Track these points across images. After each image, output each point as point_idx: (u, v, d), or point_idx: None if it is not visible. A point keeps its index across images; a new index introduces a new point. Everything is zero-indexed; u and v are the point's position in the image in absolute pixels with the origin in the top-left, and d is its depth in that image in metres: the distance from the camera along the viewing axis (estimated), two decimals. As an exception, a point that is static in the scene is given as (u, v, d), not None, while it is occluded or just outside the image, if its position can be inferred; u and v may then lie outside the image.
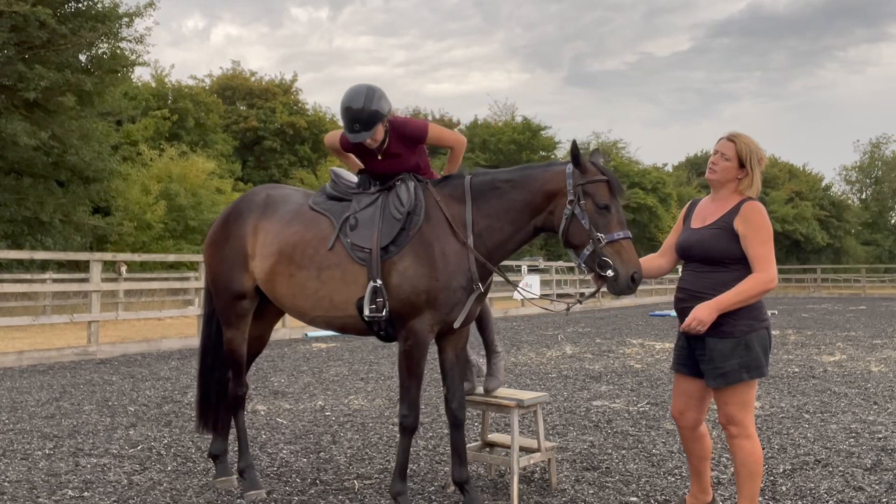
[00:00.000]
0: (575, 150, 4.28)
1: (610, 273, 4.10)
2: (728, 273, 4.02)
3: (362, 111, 4.51)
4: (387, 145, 4.71)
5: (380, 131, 4.59)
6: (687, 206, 4.47)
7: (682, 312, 4.15)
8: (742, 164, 4.07)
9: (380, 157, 4.72)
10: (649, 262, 4.48)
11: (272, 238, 4.83)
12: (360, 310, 4.50)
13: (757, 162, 4.06)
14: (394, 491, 4.60)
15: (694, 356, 4.16)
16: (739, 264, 4.03)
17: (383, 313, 4.43)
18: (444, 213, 4.52)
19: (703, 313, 3.91)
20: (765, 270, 3.94)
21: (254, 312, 5.17)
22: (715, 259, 4.06)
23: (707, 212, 4.20)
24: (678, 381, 4.33)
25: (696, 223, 4.22)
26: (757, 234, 3.98)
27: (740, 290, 3.91)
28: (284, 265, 4.74)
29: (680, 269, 4.43)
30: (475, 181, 4.59)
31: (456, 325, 4.54)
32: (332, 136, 4.98)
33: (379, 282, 4.43)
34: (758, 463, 4.04)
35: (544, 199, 4.38)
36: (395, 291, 4.43)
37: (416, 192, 4.60)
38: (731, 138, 4.11)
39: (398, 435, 4.64)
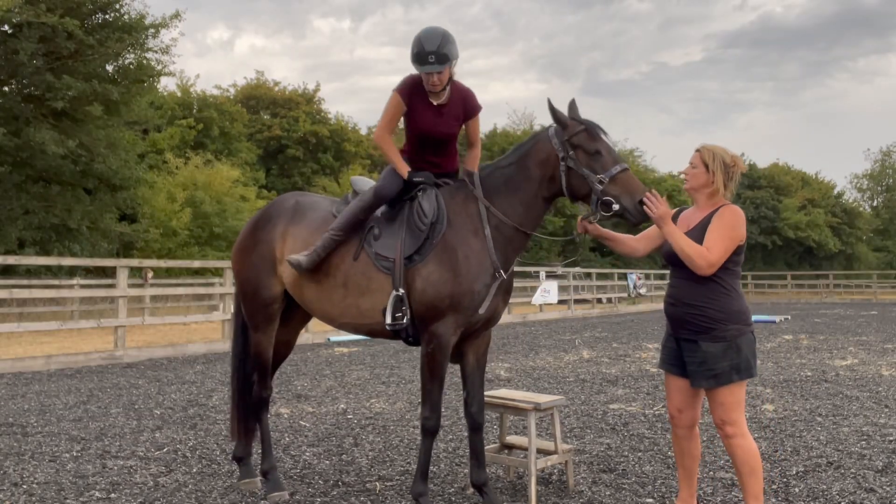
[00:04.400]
0: (552, 109, 4.43)
1: (616, 207, 4.23)
2: (716, 283, 4.14)
3: (438, 49, 4.64)
4: (447, 101, 4.86)
5: (446, 73, 4.74)
6: (671, 213, 4.59)
7: (671, 317, 4.31)
8: (709, 168, 4.22)
9: (437, 108, 4.85)
10: (624, 241, 4.64)
11: (300, 244, 4.90)
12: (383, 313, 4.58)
13: (720, 165, 4.19)
14: (415, 492, 4.66)
15: (683, 357, 4.28)
16: (724, 272, 4.15)
17: (404, 321, 4.52)
18: (465, 215, 4.63)
19: (664, 210, 4.15)
20: (713, 252, 4.08)
21: (280, 317, 5.24)
22: None
23: (690, 220, 4.33)
24: (671, 381, 4.43)
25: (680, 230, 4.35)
26: (722, 227, 4.12)
27: (687, 241, 4.10)
28: (312, 271, 4.81)
29: (668, 275, 4.53)
30: (483, 175, 4.71)
31: (481, 311, 4.57)
32: (393, 105, 4.88)
33: (402, 291, 4.51)
34: (756, 459, 4.13)
35: (540, 168, 4.51)
36: (419, 296, 4.52)
37: (437, 201, 4.69)
38: (698, 148, 4.29)
39: (420, 437, 4.71)
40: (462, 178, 4.86)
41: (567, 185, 4.43)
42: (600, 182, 4.26)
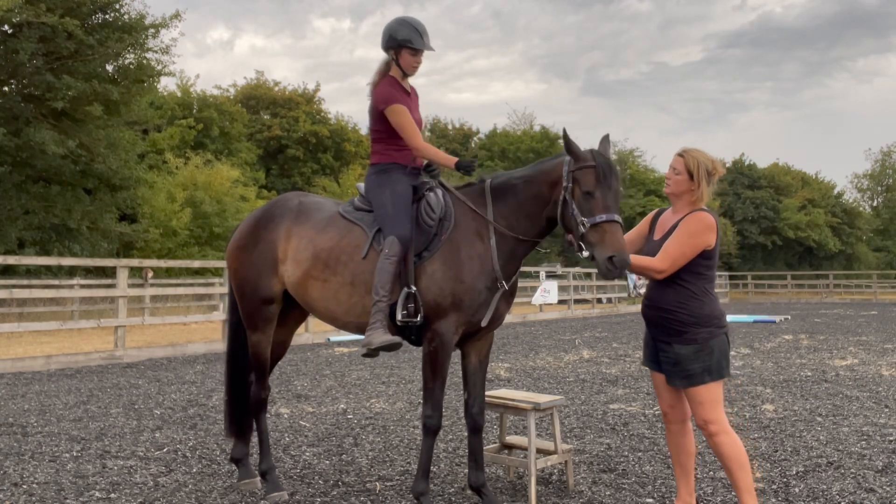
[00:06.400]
0: (566, 138, 4.35)
1: (585, 255, 4.21)
2: (687, 288, 4.20)
3: (427, 34, 4.89)
4: (410, 89, 5.05)
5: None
6: (652, 214, 4.63)
7: (647, 319, 4.39)
8: (692, 177, 4.25)
9: (409, 95, 5.01)
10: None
11: (306, 243, 4.90)
12: (391, 315, 4.59)
13: (705, 173, 4.23)
14: (417, 490, 4.67)
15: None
16: (695, 276, 4.20)
17: (417, 318, 4.53)
18: (471, 218, 4.65)
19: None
20: (661, 261, 4.17)
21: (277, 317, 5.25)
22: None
23: (666, 223, 4.38)
24: (657, 377, 4.46)
25: (657, 234, 4.40)
26: (680, 233, 4.20)
27: (639, 260, 4.22)
28: (319, 270, 4.81)
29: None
30: (494, 183, 4.72)
31: (483, 323, 4.61)
32: (403, 112, 4.84)
33: (413, 288, 4.53)
34: (742, 454, 4.17)
35: (549, 189, 4.49)
36: (423, 294, 4.54)
37: (444, 199, 4.73)
38: (681, 153, 4.31)
39: (421, 436, 4.70)
40: (472, 184, 4.88)
41: (559, 214, 4.42)
42: (582, 225, 4.21)
